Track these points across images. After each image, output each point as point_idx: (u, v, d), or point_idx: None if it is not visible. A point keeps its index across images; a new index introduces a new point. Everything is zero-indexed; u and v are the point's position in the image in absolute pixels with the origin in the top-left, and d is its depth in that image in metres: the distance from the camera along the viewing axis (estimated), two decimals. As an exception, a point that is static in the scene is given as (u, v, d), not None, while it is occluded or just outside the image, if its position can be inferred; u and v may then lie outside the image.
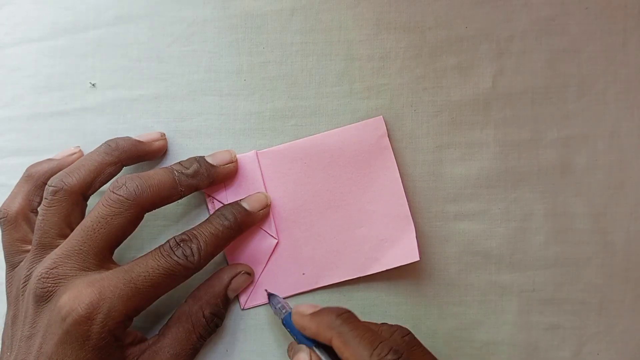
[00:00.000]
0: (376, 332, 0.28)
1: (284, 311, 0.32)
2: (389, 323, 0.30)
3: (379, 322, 0.31)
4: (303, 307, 0.30)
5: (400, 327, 0.29)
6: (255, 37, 0.35)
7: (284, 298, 0.34)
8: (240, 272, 0.33)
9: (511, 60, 0.35)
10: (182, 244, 0.30)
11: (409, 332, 0.29)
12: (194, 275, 0.30)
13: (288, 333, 0.31)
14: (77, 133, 0.36)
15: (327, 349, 0.29)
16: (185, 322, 0.31)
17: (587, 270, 0.34)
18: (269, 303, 0.33)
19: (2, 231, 0.32)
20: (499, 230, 0.34)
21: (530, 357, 0.34)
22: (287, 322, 0.31)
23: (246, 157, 0.35)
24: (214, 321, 0.32)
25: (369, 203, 0.34)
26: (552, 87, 0.34)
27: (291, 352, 0.31)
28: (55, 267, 0.28)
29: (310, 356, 0.29)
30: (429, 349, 0.31)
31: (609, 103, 0.34)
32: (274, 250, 0.34)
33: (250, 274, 0.34)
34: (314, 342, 0.29)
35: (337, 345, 0.27)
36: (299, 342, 0.30)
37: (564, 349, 0.34)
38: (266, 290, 0.34)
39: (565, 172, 0.34)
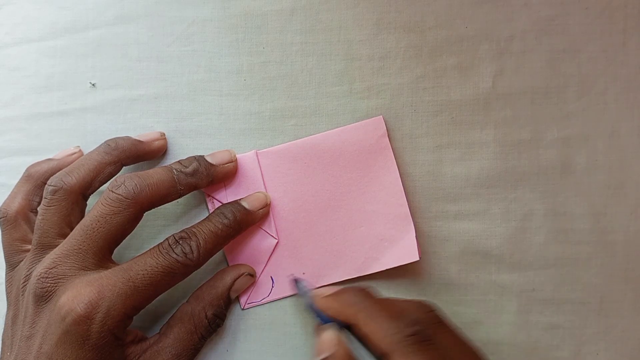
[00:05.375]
0: (399, 305, 0.28)
1: (310, 294, 0.32)
2: (416, 299, 0.30)
3: None
4: (323, 289, 0.31)
5: (428, 303, 0.29)
6: (255, 37, 0.35)
7: (285, 297, 0.34)
8: (243, 274, 0.33)
9: (511, 60, 0.35)
10: (181, 242, 0.30)
11: (434, 309, 0.29)
12: (193, 274, 0.30)
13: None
14: (77, 133, 0.36)
15: (349, 331, 0.29)
16: (187, 322, 0.31)
17: (586, 270, 0.34)
18: (295, 287, 0.34)
19: (2, 231, 0.32)
20: (499, 230, 0.34)
21: (529, 357, 0.34)
22: (312, 306, 0.31)
23: (246, 157, 0.35)
24: (216, 322, 0.32)
25: (368, 203, 0.34)
26: (552, 87, 0.34)
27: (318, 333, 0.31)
28: (54, 267, 0.28)
29: (338, 335, 0.29)
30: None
31: (609, 103, 0.34)
32: (274, 250, 0.34)
33: (252, 275, 0.34)
34: (339, 325, 0.30)
35: (360, 319, 0.28)
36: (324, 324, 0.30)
37: (563, 349, 0.34)
38: (292, 275, 0.34)
39: (565, 172, 0.34)
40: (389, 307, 0.27)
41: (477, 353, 0.28)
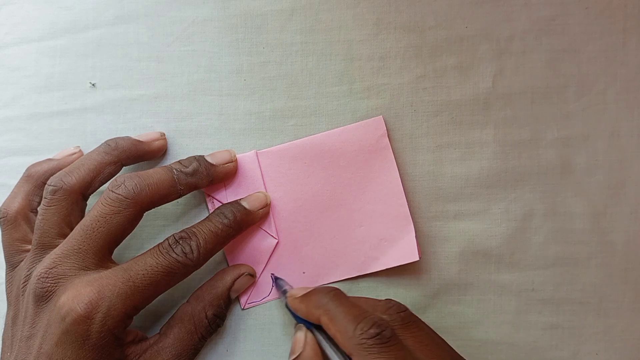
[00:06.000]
0: (362, 307, 0.28)
1: (287, 294, 0.32)
2: (386, 300, 0.30)
3: None
4: (295, 290, 0.31)
5: (398, 303, 0.29)
6: (255, 37, 0.35)
7: (284, 297, 0.34)
8: (243, 274, 0.33)
9: (511, 60, 0.35)
10: (181, 242, 0.30)
11: (406, 309, 0.29)
12: (193, 274, 0.30)
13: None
14: (77, 133, 0.36)
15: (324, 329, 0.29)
16: (187, 322, 0.31)
17: (586, 270, 0.34)
18: (274, 285, 0.34)
19: (2, 231, 0.32)
20: (499, 230, 0.34)
21: (528, 357, 0.34)
22: (287, 306, 0.31)
23: (246, 157, 0.35)
24: (216, 322, 0.32)
25: (368, 203, 0.34)
26: (552, 87, 0.34)
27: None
28: (54, 267, 0.28)
29: (306, 335, 0.29)
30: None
31: (609, 103, 0.34)
32: (274, 250, 0.34)
33: (252, 275, 0.34)
34: (312, 324, 0.30)
35: (324, 322, 0.28)
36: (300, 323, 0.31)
37: (562, 349, 0.34)
38: (272, 274, 0.34)
39: (565, 172, 0.34)
40: (353, 309, 0.27)
41: (449, 353, 0.28)
